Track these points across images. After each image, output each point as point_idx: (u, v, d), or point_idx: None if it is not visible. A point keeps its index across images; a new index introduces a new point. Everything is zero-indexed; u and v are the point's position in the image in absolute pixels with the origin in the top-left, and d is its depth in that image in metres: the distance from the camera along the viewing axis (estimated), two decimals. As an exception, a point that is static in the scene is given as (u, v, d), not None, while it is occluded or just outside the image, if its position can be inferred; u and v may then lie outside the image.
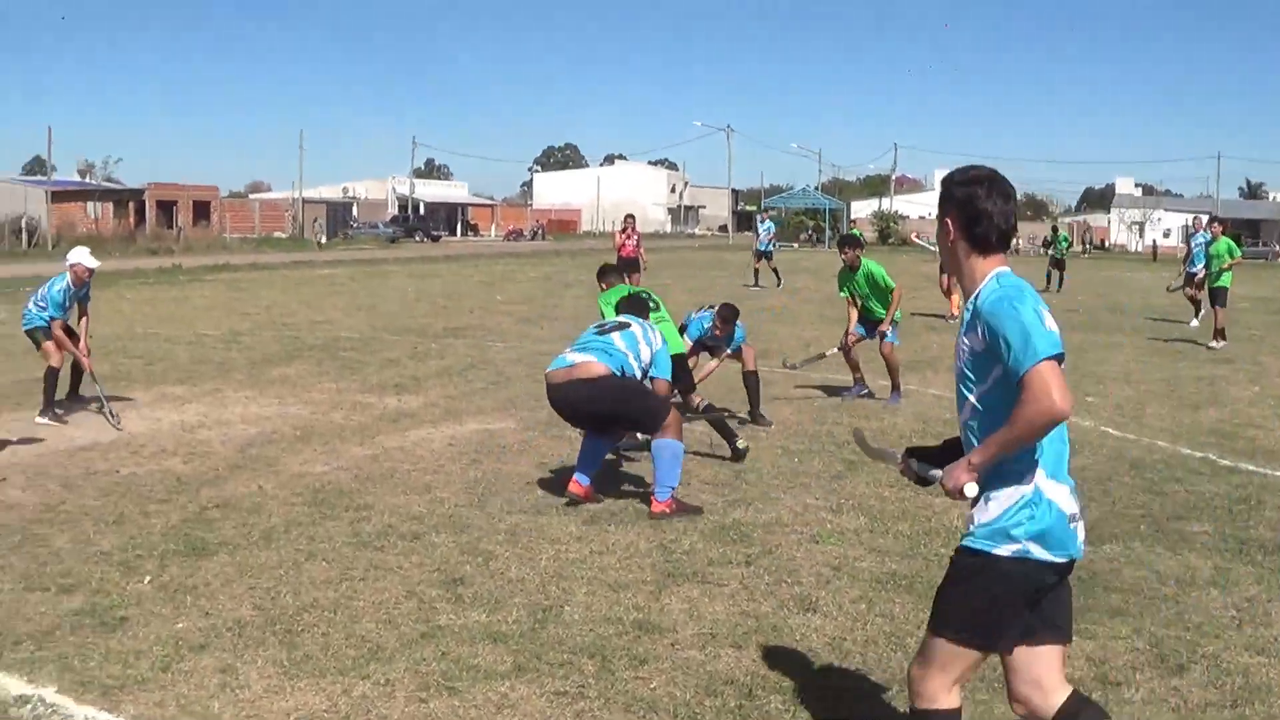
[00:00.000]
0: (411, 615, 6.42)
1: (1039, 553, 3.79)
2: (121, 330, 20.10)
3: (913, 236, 42.01)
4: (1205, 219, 29.48)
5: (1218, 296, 20.86)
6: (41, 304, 12.60)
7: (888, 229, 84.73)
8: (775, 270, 34.92)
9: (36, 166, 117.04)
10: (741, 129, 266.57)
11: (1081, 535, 3.91)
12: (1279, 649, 6.06)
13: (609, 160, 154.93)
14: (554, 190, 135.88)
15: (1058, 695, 3.98)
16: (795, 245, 75.68)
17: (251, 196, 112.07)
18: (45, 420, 12.11)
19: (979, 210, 3.93)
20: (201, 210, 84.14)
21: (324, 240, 76.96)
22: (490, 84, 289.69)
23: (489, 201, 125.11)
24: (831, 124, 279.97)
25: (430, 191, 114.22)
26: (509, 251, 64.54)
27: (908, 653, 5.69)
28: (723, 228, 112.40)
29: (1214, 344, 20.03)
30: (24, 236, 63.63)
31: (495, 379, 14.95)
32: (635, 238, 26.21)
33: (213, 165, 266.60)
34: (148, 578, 6.99)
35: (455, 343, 19.18)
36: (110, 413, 12.09)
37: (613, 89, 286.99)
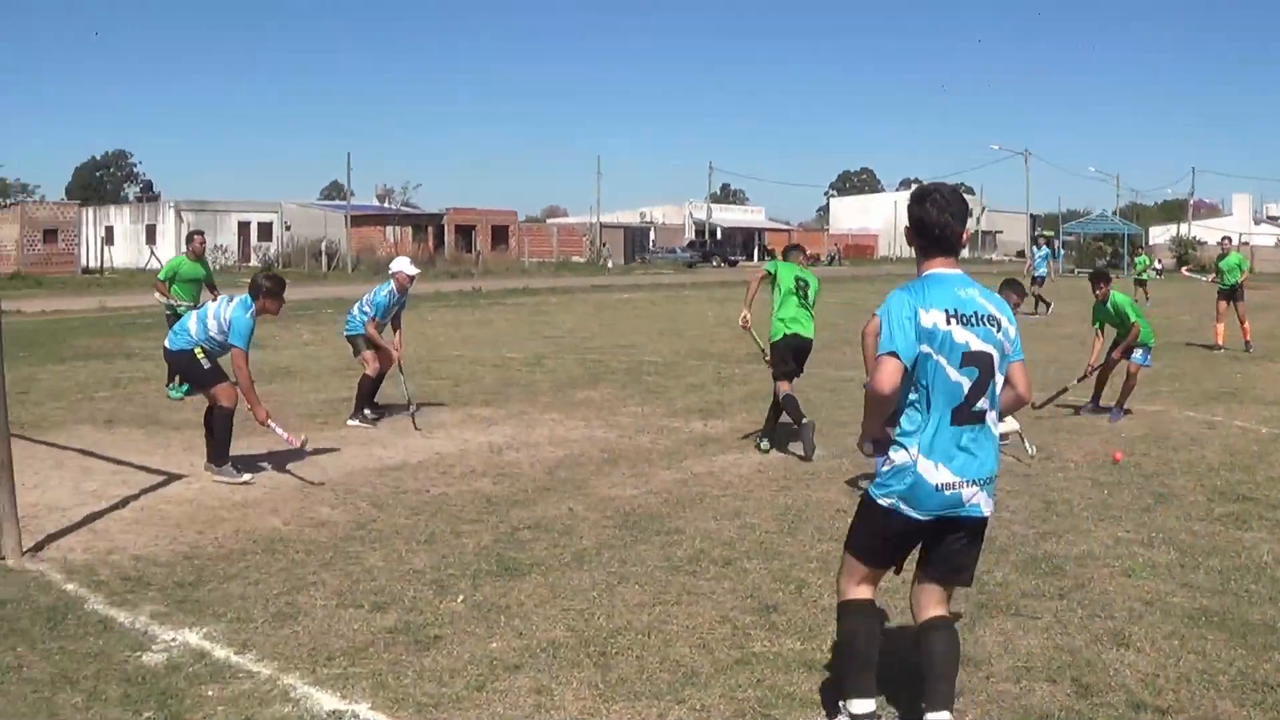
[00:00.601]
0: (725, 641, 6.45)
1: (906, 509, 4.90)
2: (426, 352, 20.94)
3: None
4: None
5: None
6: (366, 309, 13.37)
7: (1185, 255, 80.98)
8: (1039, 298, 33.76)
9: (335, 191, 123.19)
10: (1039, 152, 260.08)
11: (970, 499, 4.89)
12: None
13: (905, 184, 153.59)
14: (850, 215, 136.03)
15: (928, 614, 5.13)
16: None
17: (549, 221, 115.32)
18: (355, 422, 13.32)
19: (914, 219, 4.98)
20: (499, 234, 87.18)
21: (611, 264, 78.43)
22: (785, 109, 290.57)
23: (785, 226, 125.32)
24: (1129, 147, 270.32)
25: (727, 216, 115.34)
26: (809, 276, 64.32)
27: (1220, 692, 5.79)
28: (1020, 253, 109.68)
29: None
30: (324, 260, 67.20)
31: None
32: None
33: (510, 190, 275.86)
34: (461, 597, 7.22)
35: (758, 368, 19.05)
36: (414, 415, 12.79)
37: (908, 112, 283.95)
